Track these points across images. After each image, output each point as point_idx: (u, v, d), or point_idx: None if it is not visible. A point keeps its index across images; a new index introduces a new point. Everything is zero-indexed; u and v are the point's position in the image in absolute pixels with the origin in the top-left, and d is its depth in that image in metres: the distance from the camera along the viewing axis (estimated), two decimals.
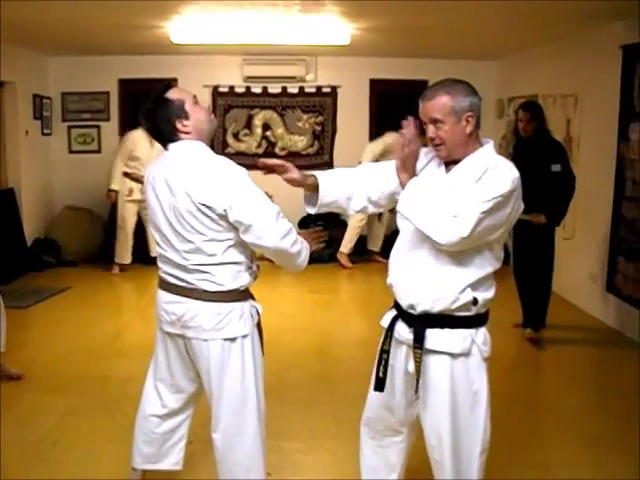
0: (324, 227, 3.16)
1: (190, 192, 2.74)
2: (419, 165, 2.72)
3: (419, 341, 2.65)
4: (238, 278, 2.87)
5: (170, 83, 2.92)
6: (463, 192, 2.52)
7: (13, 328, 4.83)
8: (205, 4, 5.93)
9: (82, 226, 8.79)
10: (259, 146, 9.73)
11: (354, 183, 2.91)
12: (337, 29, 7.17)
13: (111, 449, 3.82)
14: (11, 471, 3.57)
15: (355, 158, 8.49)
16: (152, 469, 3.32)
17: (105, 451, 3.83)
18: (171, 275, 2.92)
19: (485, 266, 2.61)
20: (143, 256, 8.31)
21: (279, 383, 4.64)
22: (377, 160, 8.34)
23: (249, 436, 2.99)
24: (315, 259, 3.00)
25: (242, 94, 9.59)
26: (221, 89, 9.50)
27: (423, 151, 2.75)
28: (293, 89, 9.64)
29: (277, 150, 9.75)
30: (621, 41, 5.92)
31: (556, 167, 5.51)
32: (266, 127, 9.72)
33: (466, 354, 2.64)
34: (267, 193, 2.84)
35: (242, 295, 2.91)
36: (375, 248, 8.93)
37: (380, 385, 2.82)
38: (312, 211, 2.96)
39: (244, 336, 2.90)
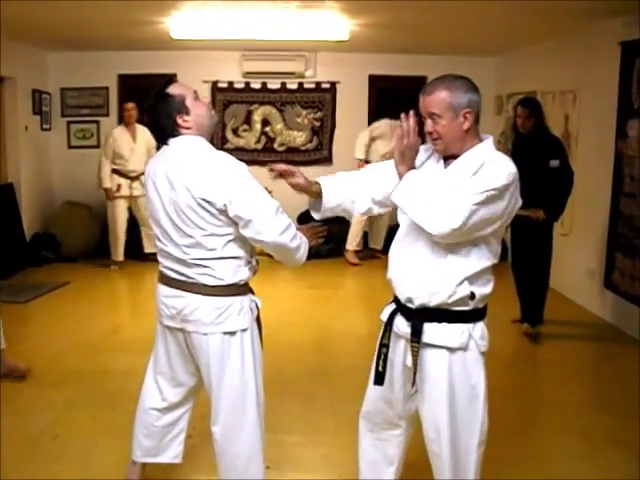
0: (323, 222, 3.17)
1: (190, 187, 2.76)
2: (419, 160, 2.74)
3: (416, 335, 2.67)
4: (238, 272, 2.89)
5: (171, 78, 2.93)
6: (459, 186, 2.54)
7: (12, 323, 4.85)
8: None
9: (81, 221, 8.80)
10: (258, 142, 9.74)
11: (357, 185, 2.94)
12: (336, 25, 7.18)
13: (111, 443, 3.84)
14: (11, 465, 3.59)
15: (354, 154, 8.55)
16: (152, 462, 3.34)
17: (105, 445, 3.85)
18: (171, 269, 2.94)
19: (482, 260, 2.62)
20: (139, 252, 8.34)
21: (278, 377, 4.65)
22: (370, 145, 8.44)
23: (248, 429, 3.01)
24: (314, 254, 3.02)
25: (241, 90, 9.60)
26: (220, 85, 9.51)
27: (423, 147, 2.77)
28: (292, 85, 9.65)
29: (276, 146, 9.76)
30: (620, 38, 5.93)
31: (554, 163, 5.53)
32: (265, 123, 9.73)
33: (464, 348, 2.66)
34: (267, 188, 2.86)
35: (242, 289, 2.93)
36: (377, 246, 8.94)
37: (379, 379, 2.85)
38: (317, 216, 2.99)
39: (243, 330, 2.92)
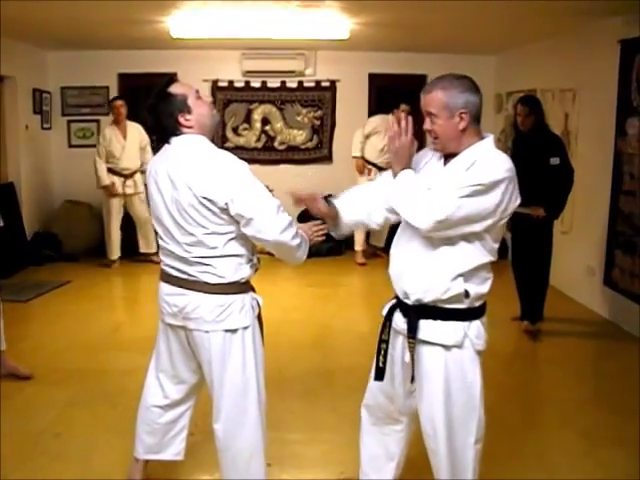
0: (323, 221, 3.19)
1: (192, 185, 2.77)
2: (424, 160, 2.82)
3: (412, 331, 2.71)
4: (239, 270, 2.90)
5: (173, 78, 2.96)
6: (450, 182, 2.58)
7: (13, 322, 4.86)
8: None
9: (82, 220, 8.82)
10: (258, 140, 9.75)
11: (370, 197, 3.02)
12: (336, 24, 7.18)
13: (113, 440, 3.86)
14: (13, 463, 3.60)
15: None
16: (154, 459, 3.36)
17: (106, 443, 3.87)
18: (173, 267, 2.95)
19: (477, 257, 2.64)
20: (137, 251, 8.37)
21: (279, 375, 4.67)
22: (365, 141, 8.53)
23: (250, 426, 3.02)
24: (314, 253, 3.04)
25: (241, 88, 9.60)
26: (220, 83, 9.51)
27: (429, 147, 2.83)
28: (292, 83, 9.66)
29: (276, 144, 9.77)
30: (619, 36, 5.94)
31: (555, 160, 5.53)
32: (265, 121, 9.74)
33: (459, 346, 2.69)
34: (267, 187, 2.87)
35: (243, 287, 2.94)
36: (379, 243, 8.94)
37: (379, 374, 2.88)
38: (337, 235, 3.09)
39: (245, 328, 2.94)
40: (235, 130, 9.69)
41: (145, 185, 7.91)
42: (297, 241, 2.90)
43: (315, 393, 4.65)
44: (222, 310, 2.88)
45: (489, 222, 2.58)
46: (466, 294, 2.64)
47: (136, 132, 8.04)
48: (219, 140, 9.41)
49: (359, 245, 8.73)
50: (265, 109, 9.69)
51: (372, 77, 9.67)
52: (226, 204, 2.76)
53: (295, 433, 4.01)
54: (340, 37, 7.59)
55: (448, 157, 2.73)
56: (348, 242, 9.16)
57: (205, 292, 2.88)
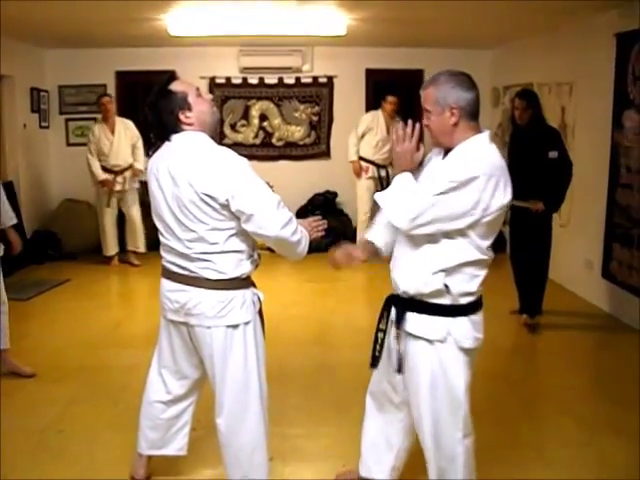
0: (322, 216, 3.23)
1: (193, 182, 2.79)
2: (431, 157, 2.91)
3: (399, 322, 2.81)
4: (240, 266, 2.92)
5: (173, 75, 2.95)
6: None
7: (14, 320, 4.88)
8: None
9: (81, 219, 8.83)
10: (256, 137, 9.76)
11: None
12: (333, 20, 7.19)
13: (115, 436, 3.88)
14: (16, 460, 3.63)
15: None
16: (157, 455, 3.39)
17: (110, 439, 3.89)
18: (174, 264, 2.97)
19: (461, 254, 2.67)
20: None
21: (280, 371, 4.69)
22: (359, 143, 8.57)
23: (252, 420, 3.05)
24: (313, 248, 3.06)
25: (239, 85, 9.61)
26: (218, 80, 9.52)
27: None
28: (289, 79, 9.67)
29: (274, 141, 9.78)
30: (615, 29, 5.96)
31: (553, 154, 5.55)
32: (263, 118, 9.75)
33: (442, 341, 2.74)
34: (268, 183, 2.89)
35: (244, 283, 2.97)
36: None
37: (374, 362, 2.99)
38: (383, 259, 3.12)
39: (246, 323, 2.96)
40: (233, 127, 9.70)
41: (140, 182, 7.89)
42: (297, 237, 2.92)
43: (316, 388, 4.68)
44: (223, 306, 2.90)
45: (470, 219, 2.60)
46: (446, 289, 2.68)
47: (125, 129, 7.99)
48: (217, 137, 9.37)
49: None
50: (263, 105, 9.71)
51: (369, 72, 9.67)
52: (227, 200, 2.77)
53: (296, 427, 4.04)
54: (337, 33, 7.60)
55: (447, 152, 2.78)
56: (347, 237, 9.19)
57: (206, 288, 2.90)
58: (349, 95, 9.63)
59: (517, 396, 4.56)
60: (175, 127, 2.90)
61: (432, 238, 2.68)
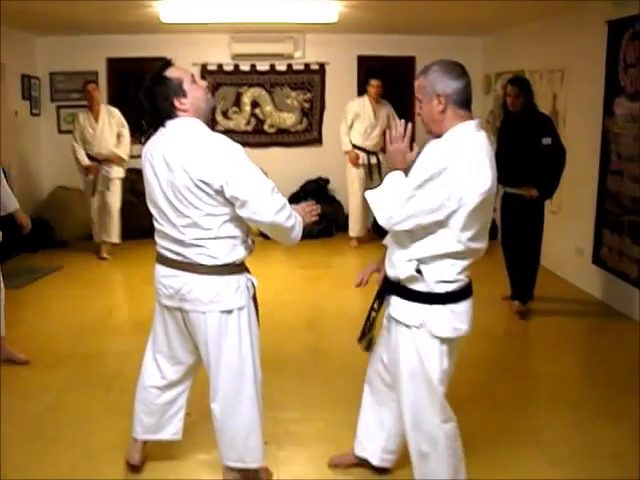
0: (315, 201, 3.25)
1: (188, 168, 2.80)
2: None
3: (381, 303, 2.95)
4: (234, 252, 2.94)
5: (169, 61, 2.96)
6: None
7: (7, 308, 4.88)
8: None
9: (73, 206, 8.80)
10: (248, 123, 9.75)
11: None
12: (325, 6, 7.18)
13: (110, 422, 3.91)
14: (13, 445, 3.66)
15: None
16: (152, 439, 3.42)
17: (105, 424, 3.92)
18: (168, 249, 2.99)
19: (438, 245, 2.71)
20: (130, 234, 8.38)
21: (273, 356, 4.71)
22: (352, 124, 8.50)
23: (247, 405, 3.08)
24: (305, 235, 3.08)
25: (230, 72, 9.60)
26: (209, 67, 9.50)
27: None
28: (281, 66, 9.66)
29: (266, 127, 9.78)
30: (607, 16, 5.97)
31: (547, 141, 5.56)
32: (255, 105, 9.74)
33: (418, 327, 2.80)
34: (262, 169, 2.91)
35: (238, 268, 2.99)
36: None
37: (362, 338, 3.10)
38: None
39: (240, 308, 2.99)
40: (225, 114, 9.69)
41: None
42: (292, 222, 2.94)
43: (309, 373, 4.71)
44: (218, 291, 2.93)
45: (446, 210, 2.63)
46: (420, 275, 2.74)
47: (110, 117, 7.91)
48: (209, 124, 9.36)
49: (354, 232, 8.74)
50: (254, 92, 9.69)
51: (361, 59, 9.67)
52: (221, 186, 2.79)
53: (290, 412, 4.07)
54: (329, 20, 7.59)
55: None
56: (338, 224, 9.22)
57: (200, 273, 2.92)
58: (341, 82, 9.62)
59: (509, 381, 4.60)
60: (170, 113, 2.92)
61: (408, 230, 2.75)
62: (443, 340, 2.80)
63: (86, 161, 7.90)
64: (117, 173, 8.03)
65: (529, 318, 5.85)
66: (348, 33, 9.20)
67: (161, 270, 3.05)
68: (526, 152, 5.50)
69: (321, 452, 3.57)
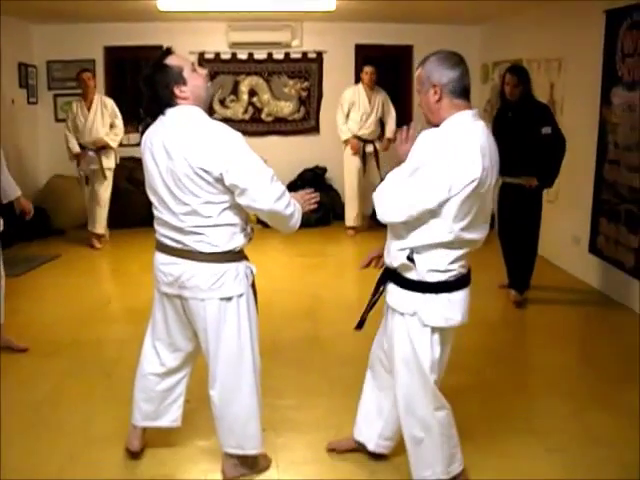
0: (314, 189, 3.27)
1: (187, 156, 2.82)
2: None
3: (378, 289, 2.98)
4: (233, 239, 2.96)
5: (169, 49, 2.97)
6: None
7: (5, 296, 4.91)
8: None
9: (70, 195, 8.80)
10: (245, 112, 9.75)
11: None
12: None
13: (110, 409, 3.93)
14: (13, 433, 3.68)
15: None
16: (151, 426, 3.44)
17: (104, 411, 3.94)
18: (168, 237, 3.00)
19: (430, 235, 2.73)
20: (124, 223, 8.35)
21: (271, 343, 4.73)
22: (349, 113, 8.49)
23: (245, 392, 3.11)
24: (303, 223, 3.10)
25: (228, 60, 9.58)
26: (207, 55, 9.48)
27: None
28: (279, 55, 9.64)
29: (263, 116, 9.77)
30: (605, 6, 5.96)
31: (547, 130, 5.55)
32: (252, 93, 9.73)
33: (411, 315, 2.83)
34: (262, 157, 2.92)
35: (237, 256, 3.01)
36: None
37: (360, 324, 3.12)
38: None
39: (239, 295, 3.01)
40: (222, 102, 9.67)
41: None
42: (291, 210, 2.96)
43: (306, 360, 4.74)
44: (217, 278, 2.94)
45: (436, 199, 2.65)
46: (412, 263, 2.77)
47: (102, 106, 7.86)
48: (206, 112, 9.36)
49: (351, 221, 8.75)
50: (252, 81, 9.68)
51: (358, 48, 9.65)
52: (221, 174, 2.81)
53: (288, 399, 4.09)
54: (327, 8, 7.58)
55: None
56: (336, 213, 9.23)
57: (200, 261, 2.93)
58: (338, 71, 9.61)
59: (505, 369, 4.63)
60: (170, 101, 2.93)
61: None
62: (435, 329, 2.83)
63: (76, 148, 7.86)
64: (107, 163, 7.96)
65: (525, 307, 5.87)
66: (346, 22, 9.19)
67: (160, 258, 3.06)
68: (524, 142, 5.49)
69: (319, 438, 3.59)
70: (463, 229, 2.71)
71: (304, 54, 9.66)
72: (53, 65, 9.30)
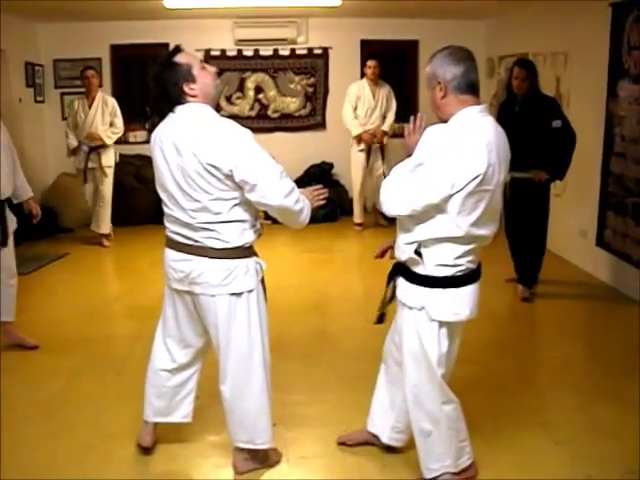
0: (322, 185, 3.29)
1: (197, 153, 2.84)
2: None
3: (389, 282, 3.00)
4: (243, 235, 2.98)
5: (178, 47, 2.99)
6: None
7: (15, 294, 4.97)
8: None
9: (77, 193, 8.80)
10: (252, 109, 9.77)
11: None
12: None
13: (121, 405, 3.96)
14: (24, 430, 3.71)
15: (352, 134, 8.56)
16: (163, 422, 3.46)
17: (115, 408, 3.97)
18: (178, 234, 3.02)
19: (438, 229, 2.75)
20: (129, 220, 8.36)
21: (279, 339, 4.72)
22: (356, 107, 8.48)
23: (256, 387, 3.13)
24: (310, 219, 3.11)
25: (234, 57, 9.60)
26: (213, 53, 9.50)
27: None
28: (284, 51, 9.66)
29: (270, 112, 9.79)
30: None
31: (557, 123, 5.53)
32: (258, 90, 9.75)
33: (419, 310, 2.86)
34: (270, 154, 2.94)
35: (247, 252, 3.03)
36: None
37: (379, 319, 3.14)
38: None
39: (249, 291, 3.03)
40: (229, 99, 9.70)
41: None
42: (300, 205, 2.98)
43: (314, 355, 4.76)
44: (227, 274, 2.96)
45: (440, 194, 2.66)
46: (420, 257, 2.79)
47: (103, 104, 7.86)
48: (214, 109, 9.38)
49: (358, 218, 8.77)
50: (258, 77, 9.70)
51: (364, 43, 9.66)
52: (231, 171, 2.83)
53: (296, 394, 4.11)
54: (332, 4, 7.59)
55: None
56: (343, 208, 9.24)
57: (210, 257, 2.96)
58: (344, 66, 9.61)
59: (513, 362, 4.64)
60: (179, 99, 2.95)
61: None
62: (442, 323, 2.86)
63: (73, 143, 7.88)
64: (106, 161, 7.94)
65: (532, 301, 5.87)
66: (351, 17, 9.20)
67: (171, 254, 3.08)
68: (533, 135, 5.46)
69: (329, 433, 3.61)
70: (473, 224, 2.72)
71: (310, 50, 9.67)
72: (60, 64, 9.34)
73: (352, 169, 8.68)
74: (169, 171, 2.94)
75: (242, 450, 3.27)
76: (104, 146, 7.87)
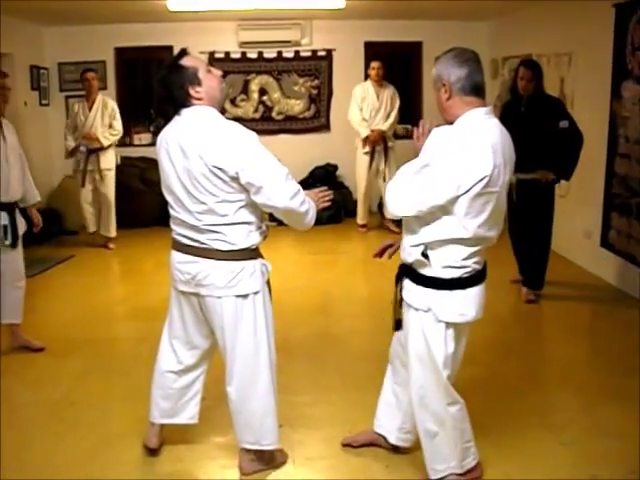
0: (328, 187, 3.30)
1: (203, 155, 2.85)
2: None
3: (397, 285, 2.99)
4: (249, 237, 2.99)
5: (184, 50, 3.01)
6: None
7: None
8: None
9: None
10: (256, 111, 9.79)
11: None
12: None
13: (127, 407, 3.98)
14: (30, 431, 3.73)
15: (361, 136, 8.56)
16: (169, 423, 3.47)
17: (122, 409, 3.98)
18: (184, 236, 3.04)
19: (443, 231, 2.76)
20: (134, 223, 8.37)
21: (284, 340, 4.72)
22: (361, 108, 8.46)
23: (262, 388, 3.14)
24: (315, 221, 3.13)
25: (238, 60, 9.63)
26: (217, 55, 9.52)
27: None
28: (288, 53, 9.68)
29: (274, 115, 9.81)
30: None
31: (564, 124, 5.52)
32: (263, 92, 9.77)
33: (425, 311, 2.87)
34: (276, 156, 2.96)
35: (253, 253, 3.04)
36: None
37: (397, 325, 3.11)
38: None
39: (255, 292, 3.04)
40: (233, 101, 9.72)
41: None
42: (305, 207, 3.00)
43: (320, 357, 4.77)
44: (233, 276, 2.98)
45: (445, 196, 2.67)
46: (426, 259, 2.80)
47: (103, 107, 7.85)
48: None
49: (362, 219, 8.78)
50: (262, 80, 9.73)
51: (368, 45, 9.67)
52: (237, 173, 2.84)
53: (302, 395, 4.12)
54: (336, 6, 7.60)
55: None
56: (347, 210, 9.25)
57: (217, 259, 2.97)
58: (348, 68, 9.63)
59: (517, 363, 4.64)
60: (185, 101, 2.96)
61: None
62: (449, 325, 2.87)
63: (71, 145, 7.88)
64: (105, 164, 7.91)
65: (537, 302, 5.87)
66: (355, 19, 9.21)
67: (177, 256, 3.10)
68: (539, 136, 5.44)
69: (334, 434, 3.62)
70: (480, 226, 2.74)
71: (314, 52, 9.70)
72: (64, 67, 9.37)
73: (357, 170, 8.68)
74: (175, 173, 2.95)
75: (248, 451, 3.28)
76: (103, 148, 7.86)
